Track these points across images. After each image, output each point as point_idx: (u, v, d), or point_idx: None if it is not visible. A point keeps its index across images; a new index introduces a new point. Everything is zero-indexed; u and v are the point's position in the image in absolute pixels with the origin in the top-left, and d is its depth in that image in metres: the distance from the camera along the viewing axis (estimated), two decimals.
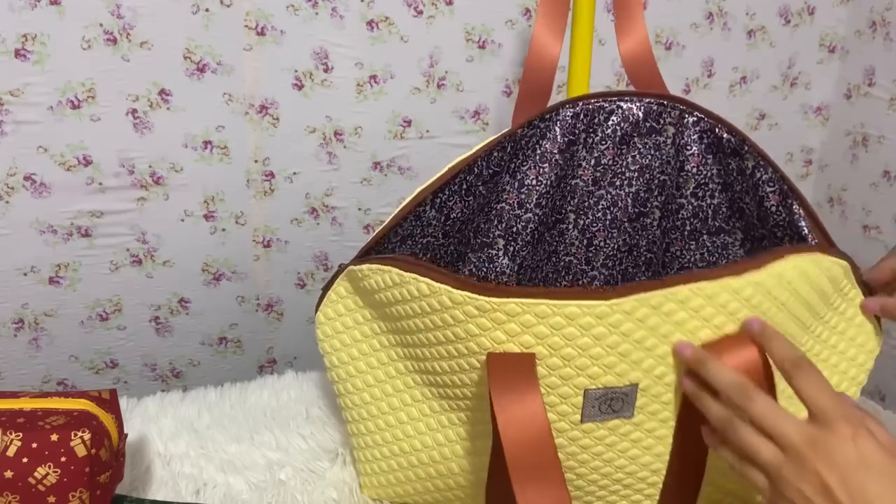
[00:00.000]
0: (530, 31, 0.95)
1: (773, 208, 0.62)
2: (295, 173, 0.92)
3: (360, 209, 0.96)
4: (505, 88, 0.97)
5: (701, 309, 0.52)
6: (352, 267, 0.61)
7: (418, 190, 0.62)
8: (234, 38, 0.84)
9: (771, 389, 0.52)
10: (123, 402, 0.82)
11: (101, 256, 0.88)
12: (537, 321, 0.52)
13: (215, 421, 0.79)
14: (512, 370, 0.52)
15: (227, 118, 0.87)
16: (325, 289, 0.64)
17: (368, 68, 0.90)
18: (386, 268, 0.57)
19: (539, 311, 0.52)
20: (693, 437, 0.56)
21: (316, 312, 0.65)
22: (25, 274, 0.86)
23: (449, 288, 0.53)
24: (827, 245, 0.59)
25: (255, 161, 0.90)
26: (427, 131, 0.95)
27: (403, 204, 0.62)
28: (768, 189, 0.62)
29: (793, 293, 0.55)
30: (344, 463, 0.74)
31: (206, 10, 0.82)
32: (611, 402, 0.54)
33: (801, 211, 0.61)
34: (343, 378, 0.65)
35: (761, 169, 0.61)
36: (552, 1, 0.65)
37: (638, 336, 0.52)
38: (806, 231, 0.60)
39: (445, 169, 0.63)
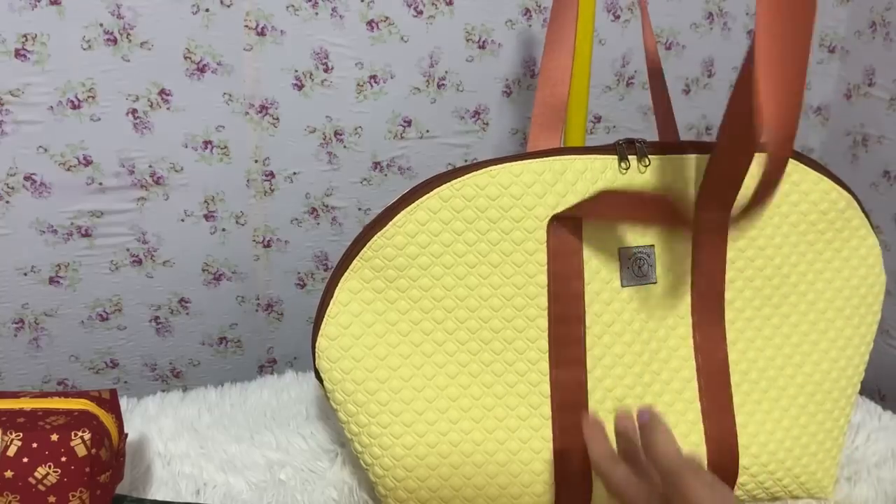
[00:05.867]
0: (530, 33, 0.95)
1: None
2: (295, 173, 0.92)
3: (360, 209, 0.96)
4: (505, 88, 0.97)
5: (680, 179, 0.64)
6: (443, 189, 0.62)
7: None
8: (234, 38, 0.84)
9: None
10: (123, 402, 0.82)
11: (101, 256, 0.88)
12: (576, 178, 0.62)
13: (215, 421, 0.80)
14: (564, 235, 0.61)
15: (227, 118, 0.87)
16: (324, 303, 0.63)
17: (368, 68, 0.90)
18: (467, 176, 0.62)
19: (578, 166, 0.62)
20: (707, 318, 0.66)
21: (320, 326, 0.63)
22: (25, 274, 0.86)
23: (510, 164, 0.61)
24: None
25: (255, 161, 0.90)
26: (427, 131, 0.95)
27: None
28: None
29: None
30: (344, 463, 0.74)
31: (206, 10, 0.82)
32: (639, 264, 0.64)
33: None
34: (345, 372, 0.63)
35: None
36: (560, 27, 0.69)
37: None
38: None
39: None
